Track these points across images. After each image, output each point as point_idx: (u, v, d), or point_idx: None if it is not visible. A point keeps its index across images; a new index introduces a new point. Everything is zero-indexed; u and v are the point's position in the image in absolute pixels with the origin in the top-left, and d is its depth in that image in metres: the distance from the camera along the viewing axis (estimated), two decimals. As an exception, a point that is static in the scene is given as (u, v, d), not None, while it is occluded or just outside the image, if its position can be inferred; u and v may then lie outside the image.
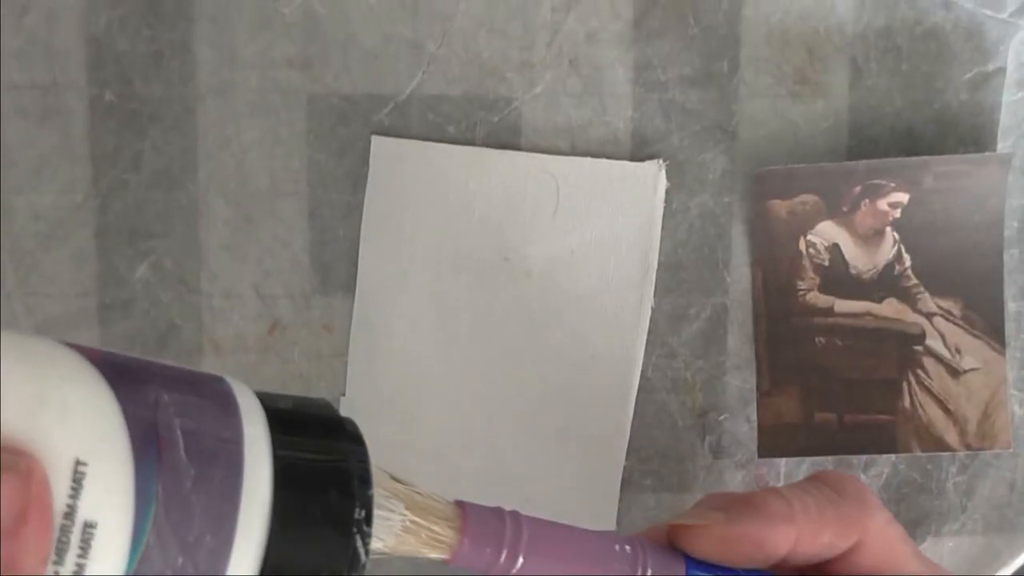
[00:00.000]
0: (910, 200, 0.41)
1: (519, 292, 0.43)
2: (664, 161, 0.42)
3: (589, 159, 0.42)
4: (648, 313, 0.42)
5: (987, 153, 0.41)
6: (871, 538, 0.34)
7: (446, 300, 0.43)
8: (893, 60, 0.41)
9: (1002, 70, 0.41)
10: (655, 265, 0.42)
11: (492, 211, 0.42)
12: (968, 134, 0.42)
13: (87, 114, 0.41)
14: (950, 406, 0.43)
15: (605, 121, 0.42)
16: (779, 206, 0.41)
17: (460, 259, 0.42)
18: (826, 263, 0.42)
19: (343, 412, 0.42)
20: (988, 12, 0.41)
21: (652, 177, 0.42)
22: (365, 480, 0.28)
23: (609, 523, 0.44)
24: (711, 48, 0.41)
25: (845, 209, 0.41)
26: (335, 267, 0.42)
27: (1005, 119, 0.42)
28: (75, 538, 0.24)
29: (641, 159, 0.42)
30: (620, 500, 0.43)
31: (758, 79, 0.41)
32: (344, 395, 0.43)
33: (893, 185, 0.41)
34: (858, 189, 0.41)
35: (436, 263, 0.42)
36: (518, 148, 0.42)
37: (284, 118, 0.41)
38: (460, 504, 0.30)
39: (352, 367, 0.43)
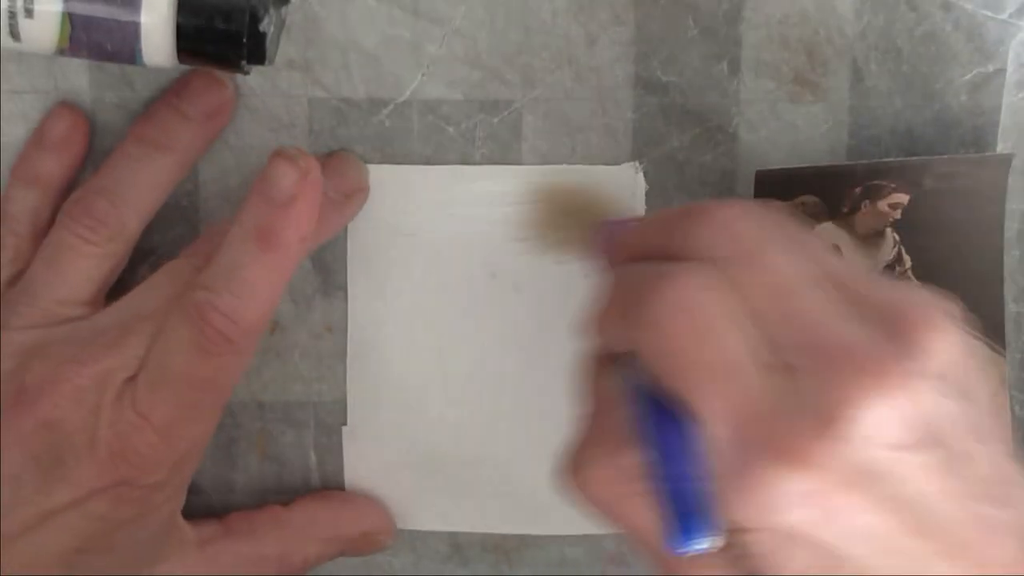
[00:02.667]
0: (910, 201, 0.41)
1: (510, 308, 0.43)
2: (641, 163, 0.42)
3: (564, 166, 0.42)
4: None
5: (987, 154, 0.41)
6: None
7: (438, 323, 0.43)
8: (893, 62, 0.41)
9: (1002, 71, 0.41)
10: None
11: (474, 228, 0.42)
12: (968, 135, 0.42)
13: (89, 117, 0.41)
14: (951, 407, 0.43)
15: (605, 123, 0.42)
16: (779, 207, 0.41)
17: (447, 280, 0.42)
18: (826, 264, 0.42)
19: (346, 443, 0.42)
20: (988, 13, 0.41)
21: (629, 180, 0.42)
22: None
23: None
24: (711, 50, 0.41)
25: (845, 210, 0.41)
26: (336, 268, 0.42)
27: (1005, 120, 0.42)
28: None
29: (641, 161, 0.42)
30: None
31: (758, 81, 0.42)
32: (345, 425, 0.43)
33: (893, 186, 0.41)
34: (858, 190, 0.41)
35: (425, 287, 0.42)
36: (519, 151, 0.42)
37: (285, 120, 0.41)
38: None
39: (351, 398, 0.43)
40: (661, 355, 0.30)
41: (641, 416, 0.31)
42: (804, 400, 0.28)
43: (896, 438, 0.28)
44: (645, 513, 0.31)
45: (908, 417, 0.28)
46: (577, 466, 0.32)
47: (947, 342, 0.29)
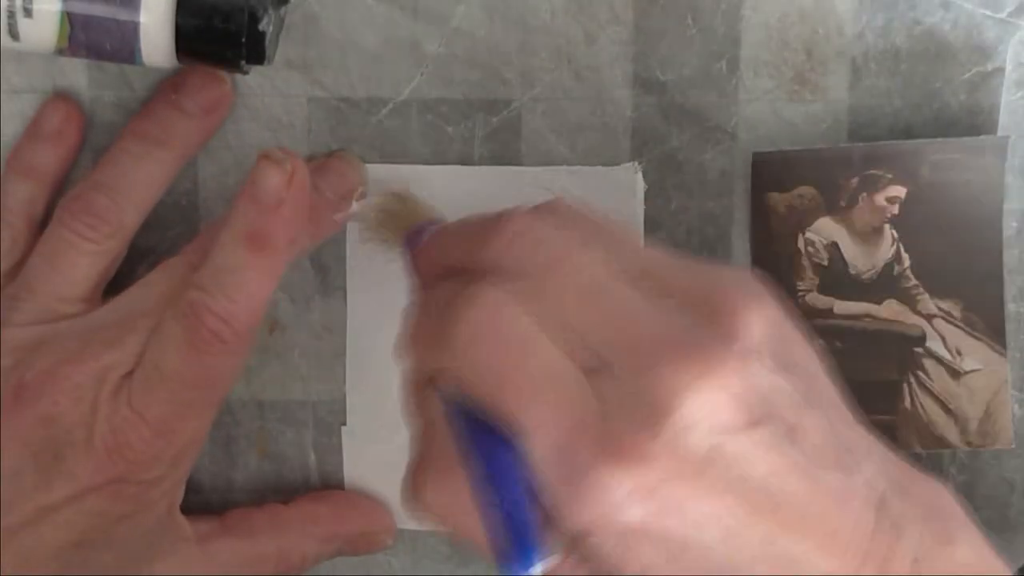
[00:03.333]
0: (908, 195, 0.41)
1: None
2: (640, 162, 0.42)
3: (564, 167, 0.42)
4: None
5: (983, 136, 0.41)
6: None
7: None
8: (892, 61, 0.42)
9: (1001, 70, 0.41)
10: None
11: None
12: (967, 134, 0.42)
13: (87, 117, 0.41)
14: (951, 406, 0.43)
15: (604, 122, 0.42)
16: (777, 199, 0.41)
17: None
18: (825, 262, 0.42)
19: (345, 442, 0.42)
20: (987, 12, 0.41)
21: (629, 180, 0.42)
22: None
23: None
24: (710, 49, 0.41)
25: (843, 203, 0.41)
26: (335, 268, 0.42)
27: (1004, 119, 0.42)
28: None
29: (640, 160, 0.42)
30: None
31: (757, 80, 0.42)
32: (345, 424, 0.43)
33: (890, 176, 0.41)
34: (855, 181, 0.41)
35: None
36: (518, 150, 0.42)
37: (284, 120, 0.41)
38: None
39: (351, 397, 0.43)
40: (475, 377, 0.30)
41: (463, 437, 0.30)
42: (626, 397, 0.28)
43: (722, 420, 0.28)
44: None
45: (732, 398, 0.28)
46: (415, 489, 0.32)
47: (761, 317, 0.29)
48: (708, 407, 0.28)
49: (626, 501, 0.28)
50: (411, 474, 0.32)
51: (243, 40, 0.36)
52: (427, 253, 0.35)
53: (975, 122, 0.42)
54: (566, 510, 0.28)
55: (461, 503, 0.30)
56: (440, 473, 0.31)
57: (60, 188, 0.40)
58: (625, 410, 0.28)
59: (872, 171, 0.41)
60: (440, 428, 0.31)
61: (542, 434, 0.28)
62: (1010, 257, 0.42)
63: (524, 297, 0.30)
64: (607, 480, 0.28)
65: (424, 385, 0.32)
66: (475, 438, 0.30)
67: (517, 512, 0.28)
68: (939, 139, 0.41)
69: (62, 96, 0.40)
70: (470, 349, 0.29)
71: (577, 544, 0.29)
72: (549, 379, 0.29)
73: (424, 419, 0.33)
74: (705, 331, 0.28)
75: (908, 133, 0.42)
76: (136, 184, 0.39)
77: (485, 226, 0.32)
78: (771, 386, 0.29)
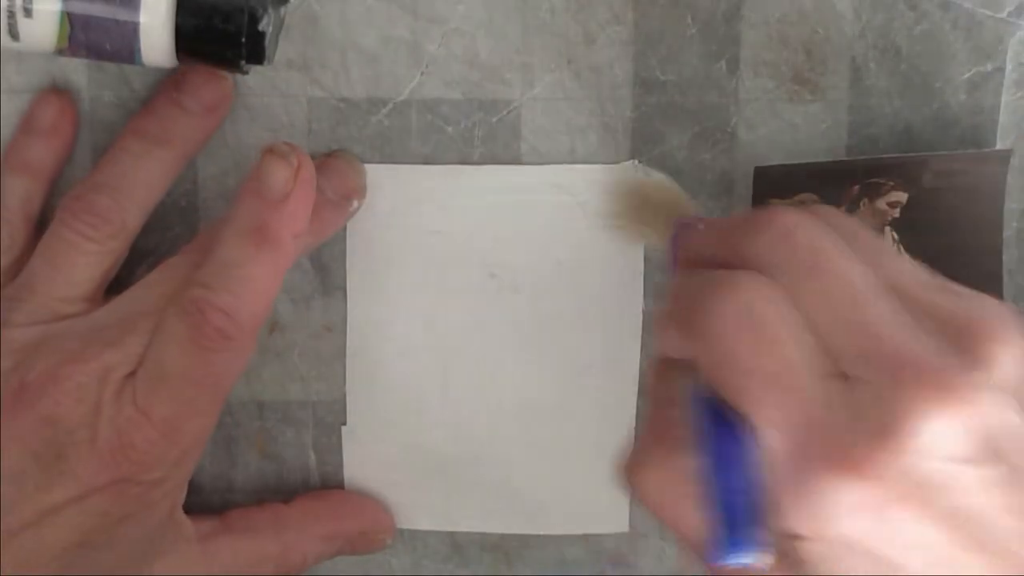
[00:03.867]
0: (909, 199, 0.41)
1: (510, 308, 0.43)
2: (640, 162, 0.42)
3: (564, 166, 0.42)
4: (640, 317, 0.42)
5: (986, 150, 0.41)
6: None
7: (437, 323, 0.43)
8: (892, 60, 0.41)
9: (1001, 70, 0.41)
10: (642, 268, 0.42)
11: (473, 229, 0.42)
12: (967, 134, 0.42)
13: (87, 116, 0.41)
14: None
15: (604, 122, 0.42)
16: (778, 205, 0.41)
17: (447, 281, 0.42)
18: (825, 263, 0.42)
19: (345, 442, 0.43)
20: (987, 12, 0.41)
21: None
22: None
23: (622, 526, 0.44)
24: (709, 49, 0.41)
25: (844, 208, 0.41)
26: (335, 268, 0.42)
27: (1004, 119, 0.42)
28: None
29: (640, 160, 0.42)
30: (629, 503, 0.44)
31: (757, 80, 0.42)
32: (345, 424, 0.43)
33: (892, 184, 0.41)
34: (857, 188, 0.41)
35: (423, 288, 0.42)
36: (518, 150, 0.42)
37: (284, 120, 0.41)
38: None
39: (351, 397, 0.43)
40: (718, 365, 0.30)
41: (699, 423, 0.31)
42: (863, 410, 0.28)
43: (956, 451, 0.28)
44: (694, 518, 0.30)
45: (969, 430, 0.28)
46: (634, 465, 0.32)
47: (1013, 355, 0.29)
48: (940, 435, 0.27)
49: (849, 513, 0.28)
50: (633, 452, 0.32)
51: (243, 40, 0.36)
52: (690, 245, 0.35)
53: (975, 122, 0.42)
54: (786, 510, 0.28)
55: (676, 489, 0.30)
56: (663, 456, 0.31)
57: (56, 184, 0.40)
58: (862, 423, 0.28)
59: (874, 179, 0.41)
60: (675, 412, 0.31)
61: (776, 432, 0.28)
62: (1010, 257, 0.42)
63: (781, 295, 0.29)
64: (834, 489, 0.28)
65: (670, 367, 0.32)
66: (711, 425, 0.30)
67: (738, 501, 0.29)
68: (942, 152, 0.41)
69: (55, 91, 0.40)
70: (718, 335, 0.29)
71: (785, 544, 0.29)
72: (790, 379, 0.29)
73: (661, 400, 0.33)
74: (957, 358, 0.28)
75: (908, 133, 0.42)
76: (138, 184, 0.39)
77: (750, 220, 0.32)
78: (1007, 426, 0.28)
